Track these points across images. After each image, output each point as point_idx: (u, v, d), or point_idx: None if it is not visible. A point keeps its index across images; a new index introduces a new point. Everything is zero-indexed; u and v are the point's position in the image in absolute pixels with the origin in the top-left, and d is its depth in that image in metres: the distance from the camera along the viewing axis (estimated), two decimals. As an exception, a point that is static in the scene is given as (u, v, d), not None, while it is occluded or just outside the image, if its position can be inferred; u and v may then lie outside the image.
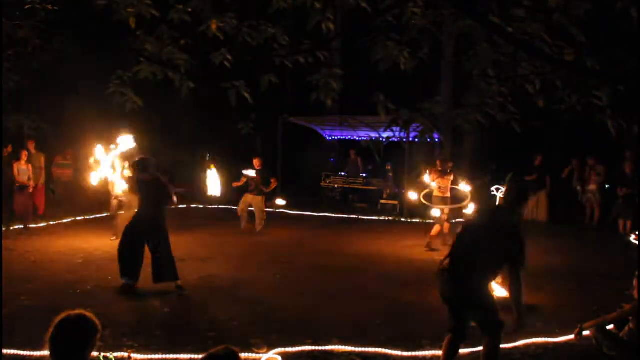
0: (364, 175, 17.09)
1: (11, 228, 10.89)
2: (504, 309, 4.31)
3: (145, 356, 4.87)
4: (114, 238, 9.62)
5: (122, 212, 9.82)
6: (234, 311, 6.29)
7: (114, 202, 10.13)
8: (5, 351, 4.73)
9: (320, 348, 5.15)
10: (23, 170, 11.26)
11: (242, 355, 4.80)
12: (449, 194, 10.23)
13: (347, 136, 18.95)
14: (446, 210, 10.06)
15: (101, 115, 11.45)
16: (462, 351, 4.89)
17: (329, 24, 4.86)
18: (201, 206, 15.15)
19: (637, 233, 11.28)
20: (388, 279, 8.00)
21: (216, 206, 15.01)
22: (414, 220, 13.75)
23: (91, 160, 8.98)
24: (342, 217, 14.22)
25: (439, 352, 4.53)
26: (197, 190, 13.00)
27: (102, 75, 5.77)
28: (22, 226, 11.03)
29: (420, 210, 12.97)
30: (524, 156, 14.29)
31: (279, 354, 4.99)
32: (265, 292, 7.13)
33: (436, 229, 10.07)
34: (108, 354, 3.53)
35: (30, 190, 11.41)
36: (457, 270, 4.22)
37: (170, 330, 5.65)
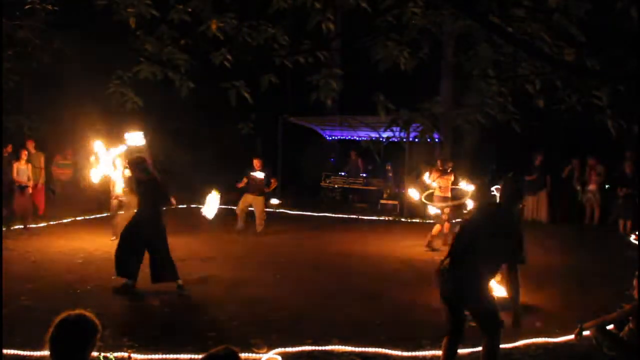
0: (364, 175, 17.08)
1: (11, 228, 10.89)
2: (504, 309, 4.31)
3: (145, 356, 4.86)
4: (114, 238, 9.62)
5: (122, 212, 9.82)
6: (234, 311, 6.29)
7: (114, 202, 10.12)
8: (5, 351, 4.73)
9: (320, 348, 5.15)
10: (22, 170, 11.25)
11: (242, 355, 4.80)
12: (449, 194, 10.24)
13: (347, 136, 18.95)
14: (446, 210, 10.06)
15: (101, 115, 11.44)
16: (462, 351, 4.89)
17: (329, 24, 4.87)
18: (201, 206, 15.11)
19: (637, 233, 11.28)
20: (388, 279, 8.00)
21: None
22: (414, 220, 13.74)
23: (92, 159, 8.95)
24: (342, 217, 14.21)
25: (439, 352, 4.53)
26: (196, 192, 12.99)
27: (103, 75, 5.78)
28: (22, 226, 11.02)
29: (420, 210, 12.98)
30: (524, 156, 14.28)
31: (279, 354, 4.99)
32: (265, 292, 7.12)
33: (436, 228, 10.07)
34: (108, 354, 3.53)
35: (30, 190, 11.41)
36: (457, 270, 4.22)
37: (170, 330, 5.66)
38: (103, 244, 9.63)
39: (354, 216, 14.35)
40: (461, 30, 4.80)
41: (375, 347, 5.18)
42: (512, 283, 4.21)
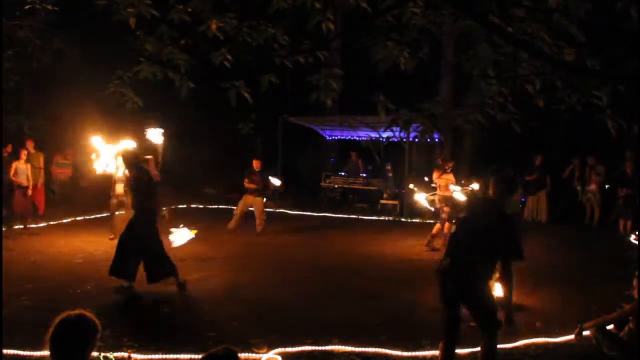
0: (364, 175, 17.08)
1: (11, 228, 10.89)
2: (503, 309, 4.32)
3: (145, 356, 4.87)
4: (112, 237, 9.63)
5: (122, 212, 9.81)
6: (234, 311, 6.29)
7: (114, 201, 10.12)
8: (5, 351, 4.74)
9: (320, 348, 5.15)
10: (22, 169, 11.24)
11: (242, 355, 4.81)
12: (449, 193, 10.23)
13: (347, 136, 18.94)
14: (446, 210, 10.06)
15: (101, 115, 11.45)
16: (461, 351, 4.90)
17: (329, 24, 4.86)
18: (201, 206, 15.15)
19: (637, 233, 11.28)
20: (388, 279, 8.00)
21: (216, 206, 15.03)
22: (414, 220, 13.75)
23: (92, 157, 8.92)
24: (342, 217, 14.21)
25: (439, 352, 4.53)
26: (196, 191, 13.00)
27: (102, 75, 5.77)
28: (22, 226, 11.03)
29: (420, 210, 12.97)
30: (524, 156, 14.29)
31: (279, 354, 4.99)
32: (265, 292, 7.13)
33: (437, 227, 10.08)
34: (108, 354, 3.54)
35: (30, 190, 11.40)
36: (457, 270, 4.22)
37: (170, 330, 5.66)
38: (103, 244, 9.63)
39: (354, 216, 14.35)
40: (461, 30, 4.80)
41: (375, 347, 5.18)
42: (506, 280, 4.21)
